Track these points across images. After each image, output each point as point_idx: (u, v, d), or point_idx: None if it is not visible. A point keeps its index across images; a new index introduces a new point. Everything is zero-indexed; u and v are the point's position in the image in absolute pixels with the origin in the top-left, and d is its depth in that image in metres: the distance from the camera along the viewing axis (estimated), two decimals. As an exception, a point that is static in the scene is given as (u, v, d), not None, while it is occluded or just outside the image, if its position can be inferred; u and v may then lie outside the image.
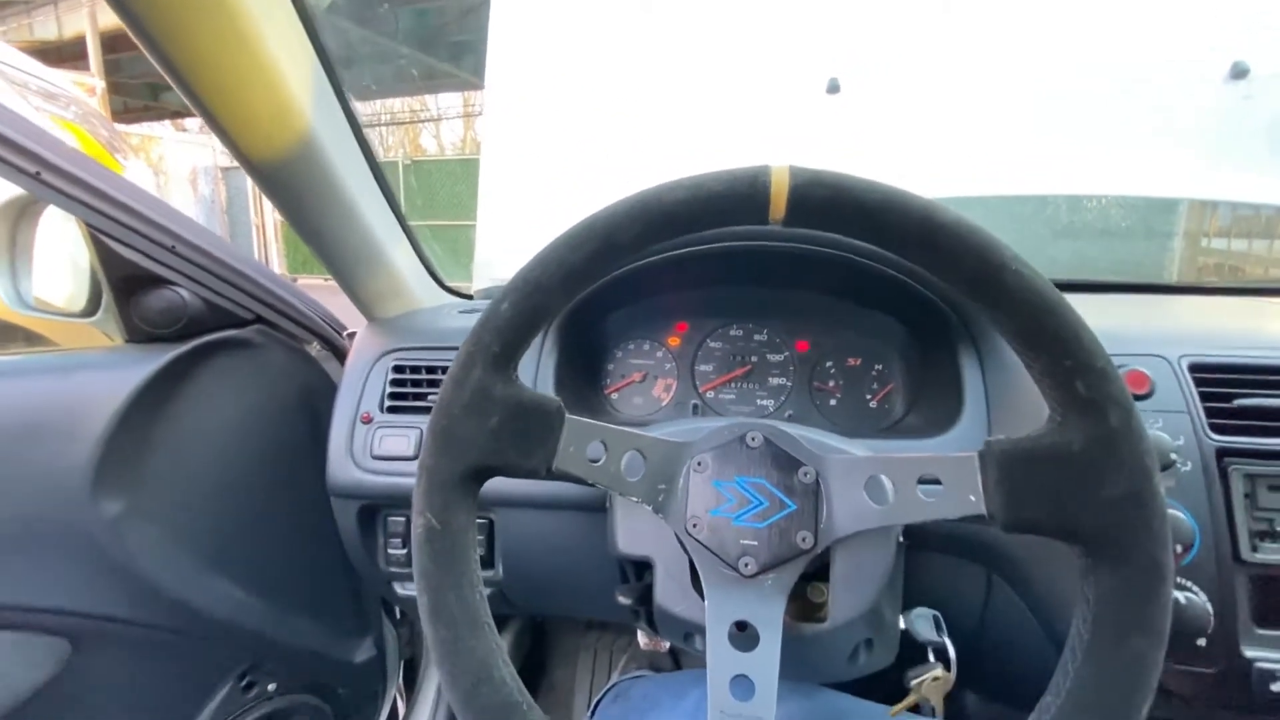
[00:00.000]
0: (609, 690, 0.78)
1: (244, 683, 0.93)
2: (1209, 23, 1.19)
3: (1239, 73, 1.14)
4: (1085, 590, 0.42)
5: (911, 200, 0.44)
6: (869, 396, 0.90)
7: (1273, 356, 0.69)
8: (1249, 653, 0.63)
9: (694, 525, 0.50)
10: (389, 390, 0.87)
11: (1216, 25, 1.18)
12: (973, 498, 0.44)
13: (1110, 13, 1.21)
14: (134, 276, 0.79)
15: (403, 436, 0.84)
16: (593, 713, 0.75)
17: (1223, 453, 0.66)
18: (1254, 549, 0.64)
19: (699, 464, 0.51)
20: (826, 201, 0.45)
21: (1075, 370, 0.41)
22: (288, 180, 0.75)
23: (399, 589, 0.93)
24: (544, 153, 1.31)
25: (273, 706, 0.96)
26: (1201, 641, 0.63)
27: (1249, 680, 0.63)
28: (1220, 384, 0.69)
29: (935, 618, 0.66)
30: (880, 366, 0.90)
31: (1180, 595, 0.63)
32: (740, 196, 0.46)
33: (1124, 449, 0.40)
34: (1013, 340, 0.44)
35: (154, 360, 0.78)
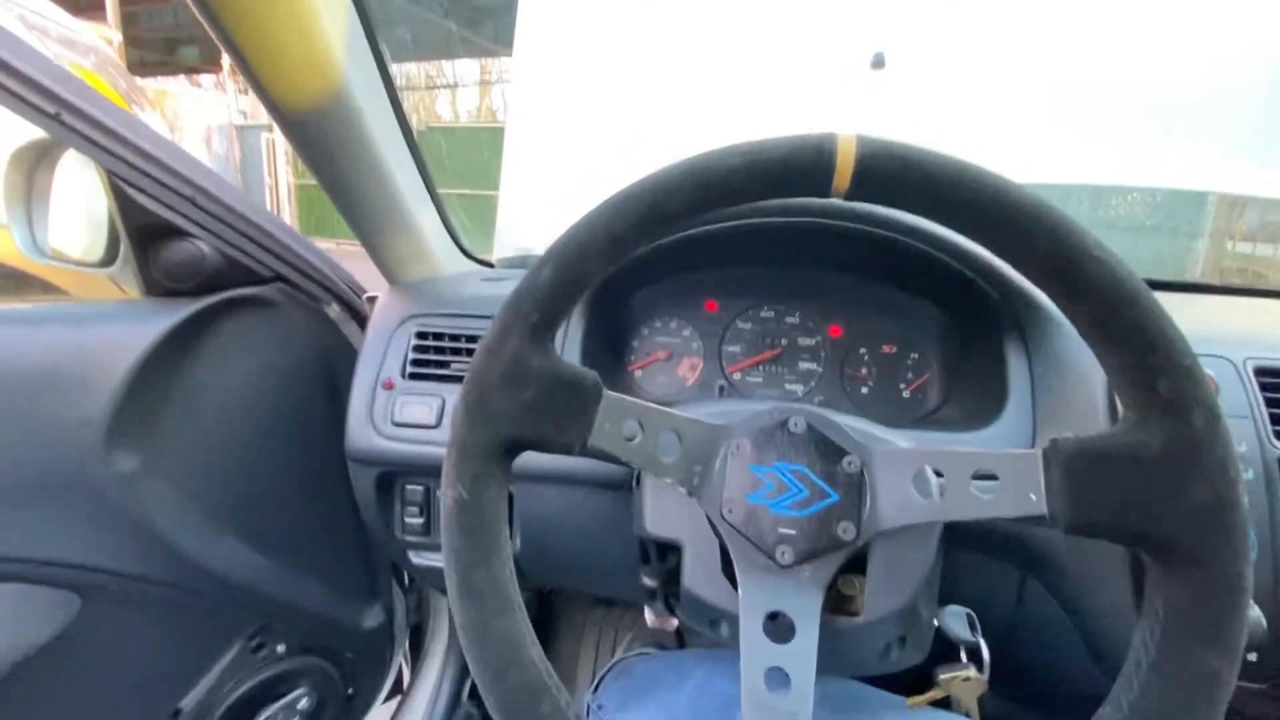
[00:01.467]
0: (613, 666, 0.78)
1: (253, 643, 0.93)
2: (1262, 14, 1.15)
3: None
4: (1153, 600, 0.39)
5: (986, 177, 0.41)
6: (903, 386, 0.87)
7: None
8: None
9: (729, 510, 0.48)
10: (411, 357, 0.85)
11: (1269, 16, 1.14)
12: (1033, 497, 0.41)
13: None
14: (153, 227, 0.77)
15: (424, 404, 0.82)
16: (596, 687, 0.75)
17: None
18: None
19: (737, 447, 0.49)
20: (895, 174, 0.42)
21: (1159, 368, 0.38)
22: (317, 132, 0.72)
23: (414, 557, 0.92)
24: (572, 122, 1.28)
25: (281, 668, 0.96)
26: (1253, 656, 0.61)
27: None
28: None
29: (969, 616, 0.64)
30: (916, 355, 0.87)
31: None
32: (803, 166, 0.43)
33: (1208, 454, 0.37)
34: (1088, 332, 0.41)
35: (172, 314, 0.77)
